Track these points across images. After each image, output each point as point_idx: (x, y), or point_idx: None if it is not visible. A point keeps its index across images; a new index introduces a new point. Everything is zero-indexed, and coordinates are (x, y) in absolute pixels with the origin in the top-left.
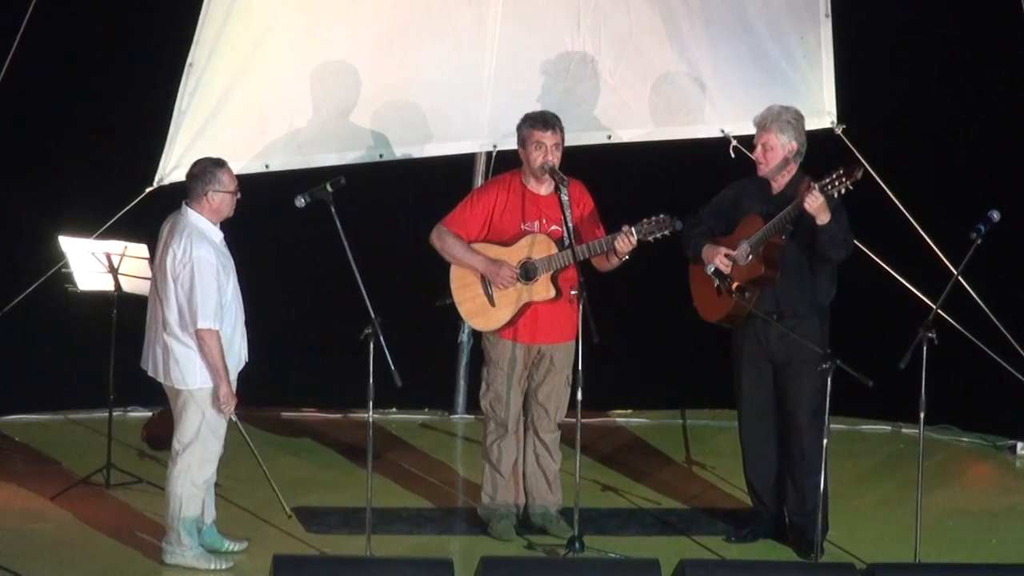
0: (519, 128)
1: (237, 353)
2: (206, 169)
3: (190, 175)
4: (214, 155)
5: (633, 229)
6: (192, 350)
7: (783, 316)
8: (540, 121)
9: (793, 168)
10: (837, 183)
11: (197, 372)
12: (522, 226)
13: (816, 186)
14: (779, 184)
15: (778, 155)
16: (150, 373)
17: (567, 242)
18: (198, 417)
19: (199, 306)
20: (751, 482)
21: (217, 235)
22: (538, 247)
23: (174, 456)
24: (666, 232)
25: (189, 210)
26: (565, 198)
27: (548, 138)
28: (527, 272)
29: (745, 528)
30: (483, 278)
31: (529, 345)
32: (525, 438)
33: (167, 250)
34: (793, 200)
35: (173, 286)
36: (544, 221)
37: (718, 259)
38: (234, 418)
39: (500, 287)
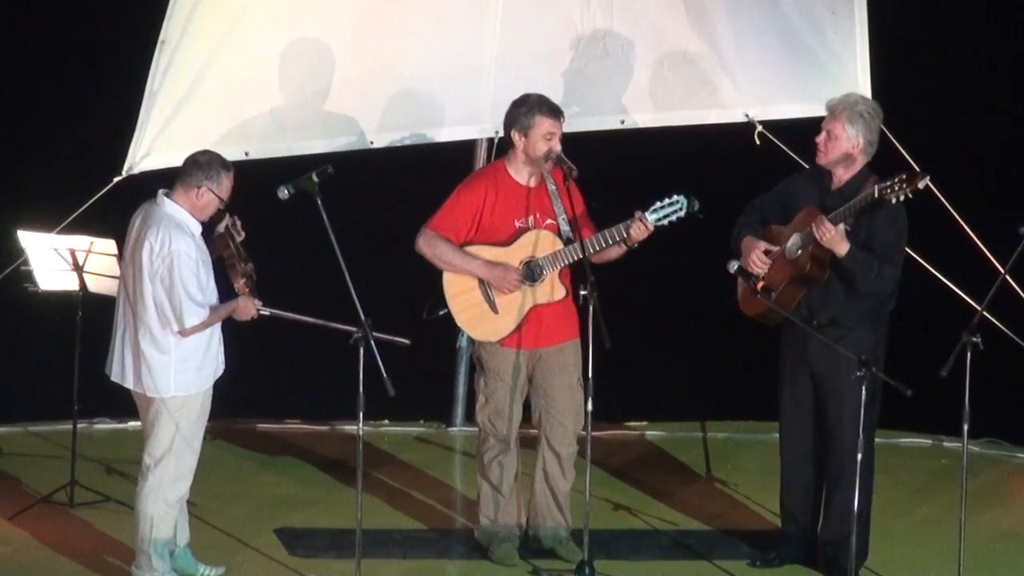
0: (519, 114)
1: (214, 359)
2: (213, 163)
3: (192, 160)
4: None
5: (647, 215)
6: (167, 355)
7: (819, 323)
8: (551, 109)
9: (858, 164)
10: (897, 188)
11: (171, 379)
12: (516, 223)
13: (877, 188)
14: (840, 179)
15: (841, 146)
16: (114, 378)
17: (570, 235)
18: (171, 428)
19: (183, 304)
20: (785, 502)
21: (196, 228)
22: (540, 244)
23: (144, 472)
24: (681, 215)
25: (167, 200)
26: (570, 185)
27: (558, 128)
28: (531, 273)
29: (772, 552)
30: (481, 283)
31: (531, 350)
32: (536, 452)
33: (141, 243)
34: (852, 197)
35: (150, 284)
36: (537, 215)
37: (755, 254)
38: (266, 312)
39: (505, 292)
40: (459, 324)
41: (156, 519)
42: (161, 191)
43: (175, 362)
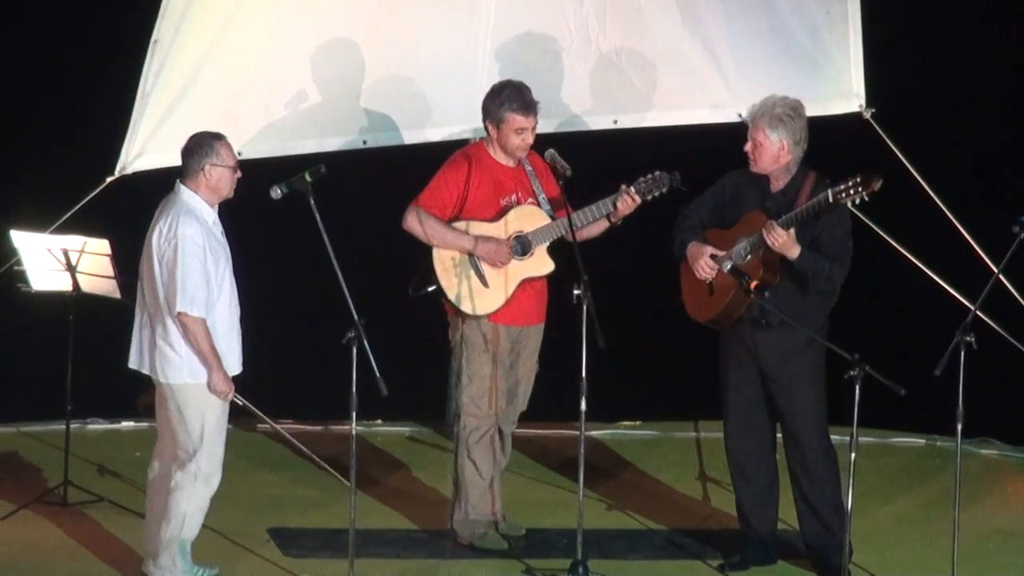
0: (493, 106)
1: (228, 353)
2: (202, 142)
3: (185, 150)
4: (182, 141)
5: (633, 188)
6: (179, 342)
7: (769, 324)
8: (522, 106)
9: (792, 165)
10: (852, 192)
11: (183, 365)
12: (501, 201)
13: (831, 192)
14: (779, 181)
15: (768, 152)
16: (132, 365)
17: (552, 214)
18: (199, 418)
19: (180, 287)
20: (741, 502)
21: (211, 216)
22: (528, 219)
23: (177, 468)
24: (663, 190)
25: (183, 187)
26: (560, 183)
27: (530, 123)
28: (522, 246)
29: (735, 555)
30: (471, 258)
31: (514, 328)
32: None
33: (154, 229)
34: (796, 199)
35: (159, 267)
36: (519, 194)
37: (703, 260)
38: (240, 401)
39: (498, 265)
40: (450, 299)
41: (188, 517)
42: (179, 179)
43: (186, 349)
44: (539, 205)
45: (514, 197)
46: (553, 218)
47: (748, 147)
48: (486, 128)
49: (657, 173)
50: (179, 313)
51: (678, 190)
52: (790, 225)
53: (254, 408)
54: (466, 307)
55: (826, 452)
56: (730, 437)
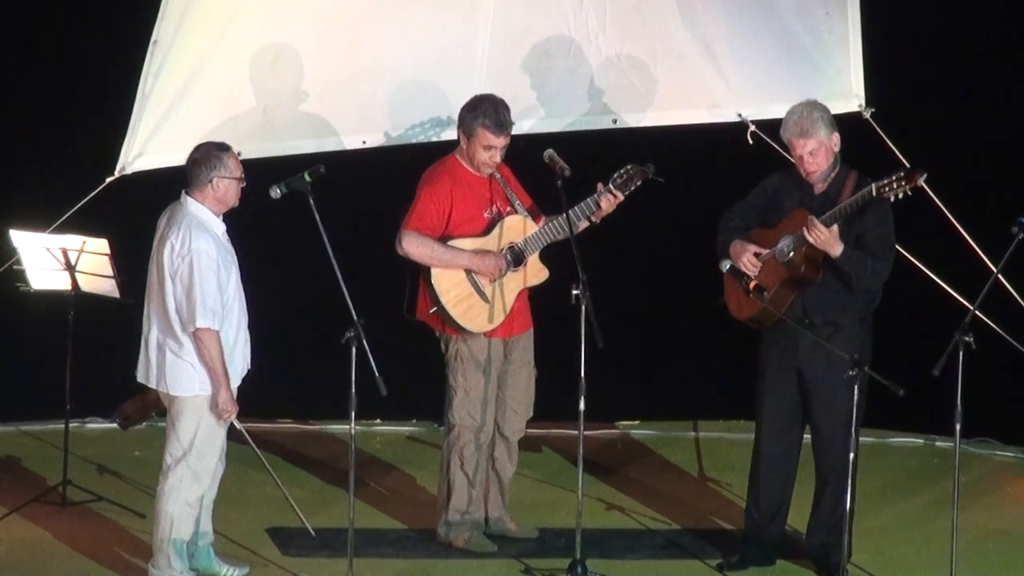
0: (468, 117)
1: (240, 359)
2: (210, 153)
3: (191, 160)
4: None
5: (611, 186)
6: (189, 355)
7: (813, 323)
8: (495, 124)
9: (837, 163)
10: (896, 185)
11: (195, 378)
12: (484, 214)
13: (874, 186)
14: (822, 183)
15: (826, 154)
16: (140, 379)
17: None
18: (192, 428)
19: (197, 303)
20: (756, 503)
21: (219, 227)
22: (516, 229)
23: (165, 471)
24: (638, 182)
25: (189, 199)
26: (559, 183)
27: (500, 142)
28: (515, 257)
29: (734, 555)
30: (468, 274)
31: (508, 339)
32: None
33: (164, 243)
34: (837, 199)
35: (171, 282)
36: (498, 204)
37: (745, 257)
38: (238, 425)
39: (495, 279)
40: (454, 318)
41: (176, 519)
42: (185, 190)
43: (197, 361)
44: (518, 213)
45: (495, 208)
46: (544, 225)
47: (804, 162)
48: (458, 137)
49: (630, 167)
50: (197, 329)
51: (655, 181)
52: (833, 222)
53: (248, 436)
54: (470, 325)
55: (853, 460)
56: (762, 437)
